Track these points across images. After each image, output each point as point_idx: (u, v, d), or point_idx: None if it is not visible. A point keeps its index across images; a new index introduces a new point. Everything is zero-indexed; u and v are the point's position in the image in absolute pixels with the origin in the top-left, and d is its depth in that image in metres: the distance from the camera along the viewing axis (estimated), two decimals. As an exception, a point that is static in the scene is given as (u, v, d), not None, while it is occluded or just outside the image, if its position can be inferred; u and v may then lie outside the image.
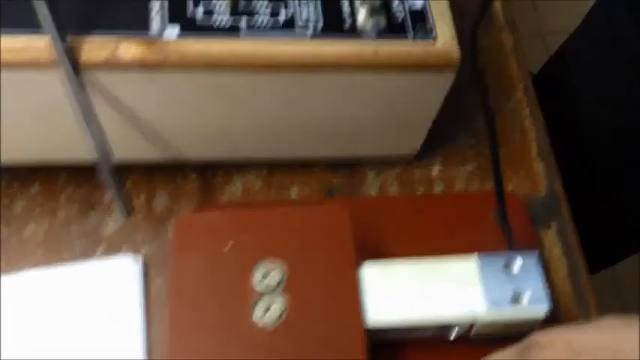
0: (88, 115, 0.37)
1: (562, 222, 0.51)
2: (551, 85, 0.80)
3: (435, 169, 0.53)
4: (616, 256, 0.97)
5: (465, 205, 0.52)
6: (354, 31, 0.41)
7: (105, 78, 0.39)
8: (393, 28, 0.41)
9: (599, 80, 0.72)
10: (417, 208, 0.51)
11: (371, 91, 0.43)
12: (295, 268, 0.40)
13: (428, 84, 0.43)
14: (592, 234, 0.70)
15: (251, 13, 0.40)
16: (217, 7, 0.40)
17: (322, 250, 0.41)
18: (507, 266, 0.41)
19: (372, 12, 0.41)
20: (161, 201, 0.49)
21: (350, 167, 0.52)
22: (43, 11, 0.35)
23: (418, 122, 0.47)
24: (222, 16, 0.40)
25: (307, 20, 0.41)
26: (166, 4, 0.40)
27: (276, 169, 0.51)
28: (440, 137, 0.52)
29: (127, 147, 0.44)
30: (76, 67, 0.37)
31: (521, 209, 0.51)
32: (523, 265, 0.41)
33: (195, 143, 0.46)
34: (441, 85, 0.43)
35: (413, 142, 0.49)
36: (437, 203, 0.52)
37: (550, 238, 0.50)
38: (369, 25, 0.41)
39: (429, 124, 0.47)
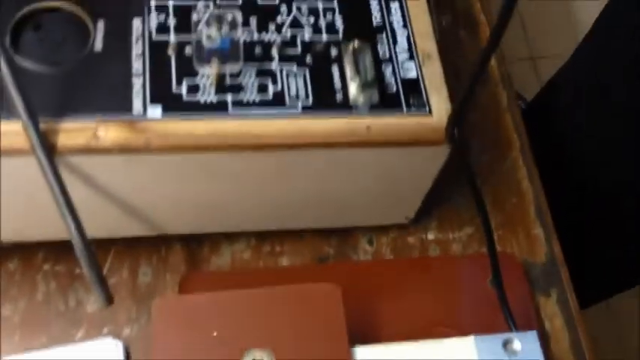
0: (65, 203, 0.35)
1: (563, 290, 0.49)
2: (544, 114, 0.80)
3: (431, 234, 0.51)
4: (610, 289, 0.96)
5: (460, 269, 0.50)
6: (345, 106, 0.39)
7: (83, 162, 0.37)
8: (386, 102, 0.40)
9: (589, 118, 0.72)
10: (411, 272, 0.49)
11: (363, 166, 0.41)
12: (285, 355, 0.38)
13: (423, 158, 0.41)
14: (586, 265, 0.69)
15: (238, 90, 0.39)
16: (202, 84, 0.38)
17: (314, 334, 0.39)
18: (506, 346, 0.39)
19: (364, 86, 0.39)
20: (144, 276, 0.47)
21: (342, 233, 0.50)
22: (14, 97, 0.33)
23: (412, 193, 0.45)
24: (207, 93, 0.38)
25: (297, 95, 0.39)
26: (148, 81, 0.38)
27: (266, 236, 0.49)
28: (435, 198, 0.50)
29: (108, 224, 0.42)
30: (50, 153, 0.35)
31: (518, 271, 0.49)
32: (522, 345, 0.39)
33: (180, 218, 0.44)
34: (437, 158, 0.41)
35: (407, 211, 0.47)
36: (431, 266, 0.50)
37: (550, 307, 0.48)
38: (361, 100, 0.39)
39: (424, 194, 0.45)
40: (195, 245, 0.48)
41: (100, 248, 0.46)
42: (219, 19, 0.38)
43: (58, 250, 0.47)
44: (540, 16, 1.48)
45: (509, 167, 0.54)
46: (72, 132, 0.36)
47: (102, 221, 0.41)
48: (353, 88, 0.39)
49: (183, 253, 0.48)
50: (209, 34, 0.38)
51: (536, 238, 0.51)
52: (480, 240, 0.51)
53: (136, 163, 0.37)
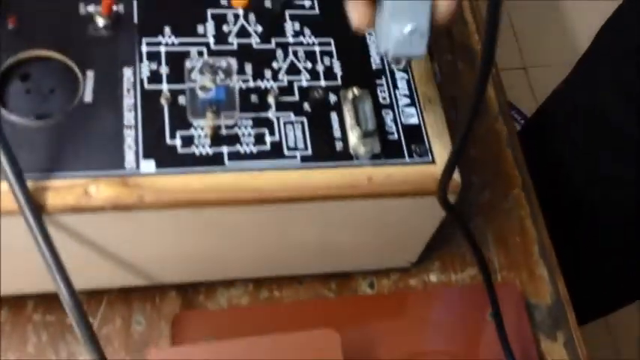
0: (54, 264, 0.34)
1: (569, 333, 0.48)
2: (541, 132, 0.78)
3: (433, 275, 0.49)
4: (610, 304, 0.95)
5: (461, 300, 0.49)
6: (346, 155, 0.38)
7: (74, 220, 0.35)
8: (387, 150, 0.38)
9: (585, 137, 0.71)
10: (411, 304, 0.48)
11: (364, 216, 0.40)
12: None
13: (426, 207, 0.40)
14: (585, 281, 0.68)
15: (234, 141, 0.37)
16: (197, 135, 0.37)
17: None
18: None
19: (365, 136, 0.38)
20: (138, 325, 0.45)
21: (342, 276, 0.48)
22: None
23: (415, 240, 0.44)
24: (202, 145, 0.37)
25: (295, 146, 0.38)
26: (141, 134, 0.36)
27: (264, 281, 0.48)
28: (436, 239, 0.49)
29: (100, 277, 0.41)
30: (38, 214, 0.33)
31: (519, 301, 0.48)
32: None
33: (174, 269, 0.42)
34: (440, 207, 0.40)
35: (409, 257, 0.46)
36: (431, 298, 0.49)
37: (557, 351, 0.47)
38: (362, 150, 0.38)
39: (427, 240, 0.44)
40: (190, 291, 0.47)
41: (92, 298, 0.45)
42: (213, 69, 0.37)
43: (49, 298, 0.45)
44: (532, 26, 1.47)
45: (512, 205, 0.52)
46: (61, 190, 0.34)
47: (93, 274, 0.40)
48: (353, 138, 0.38)
49: (178, 300, 0.47)
50: (203, 85, 0.37)
51: (541, 279, 0.50)
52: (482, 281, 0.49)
53: (129, 219, 0.36)
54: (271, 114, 0.38)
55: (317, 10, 0.42)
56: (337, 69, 0.40)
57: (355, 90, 0.39)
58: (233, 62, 0.39)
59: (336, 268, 0.46)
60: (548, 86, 1.38)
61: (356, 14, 0.33)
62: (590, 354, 0.48)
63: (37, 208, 0.33)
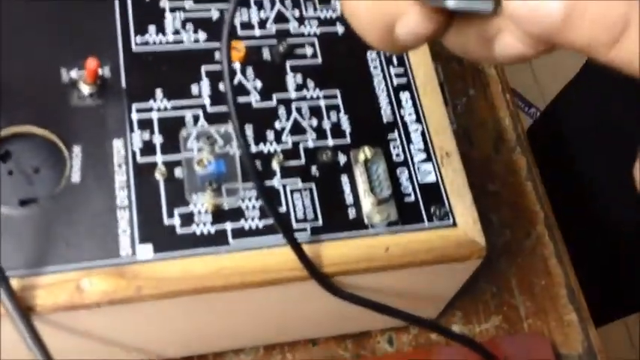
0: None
1: (604, 386, 0.45)
2: (550, 135, 0.76)
3: (455, 327, 0.46)
4: (629, 308, 0.93)
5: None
6: (359, 225, 0.35)
7: (66, 318, 0.32)
8: (404, 216, 0.35)
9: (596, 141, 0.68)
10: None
11: (381, 285, 0.36)
12: None
13: (449, 273, 0.37)
14: (601, 286, 0.65)
15: (238, 216, 0.34)
16: (197, 211, 0.34)
17: None
18: None
19: (380, 203, 0.34)
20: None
21: (358, 334, 0.45)
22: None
23: (436, 300, 0.41)
24: (203, 223, 0.33)
25: (304, 217, 0.35)
26: (135, 215, 0.33)
27: (275, 345, 0.45)
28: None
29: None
30: (27, 317, 0.30)
31: (548, 355, 0.45)
32: None
33: (178, 346, 0.39)
34: (463, 271, 0.37)
35: (429, 313, 0.43)
36: (457, 353, 0.46)
37: (591, 405, 0.44)
38: (377, 219, 0.35)
39: (448, 299, 0.41)
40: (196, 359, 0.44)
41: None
42: (211, 139, 0.34)
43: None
44: None
45: (535, 244, 0.49)
46: (51, 287, 0.31)
47: (89, 354, 0.37)
48: (367, 205, 0.35)
49: (185, 369, 0.44)
50: (200, 159, 0.34)
51: (571, 325, 0.46)
52: (509, 331, 0.46)
53: (126, 311, 0.33)
54: (277, 182, 0.35)
55: (320, 59, 0.39)
56: (345, 125, 0.37)
57: (367, 150, 0.36)
58: (232, 130, 0.35)
59: (352, 329, 0.43)
60: (553, 75, 1.34)
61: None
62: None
63: (25, 311, 0.30)
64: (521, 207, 0.51)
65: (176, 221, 0.33)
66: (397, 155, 0.37)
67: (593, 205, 0.68)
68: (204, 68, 0.37)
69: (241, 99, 0.37)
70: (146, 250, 0.32)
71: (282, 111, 0.37)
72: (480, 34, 0.22)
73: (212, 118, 0.36)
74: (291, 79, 0.38)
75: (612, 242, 0.68)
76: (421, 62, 0.40)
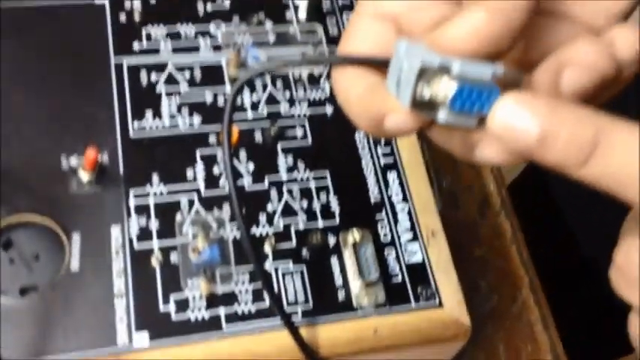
0: None
1: None
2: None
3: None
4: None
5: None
6: (348, 307, 0.36)
7: (66, 404, 0.33)
8: (392, 298, 0.37)
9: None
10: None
11: (371, 361, 0.38)
12: None
13: (435, 352, 0.38)
14: (580, 332, 0.66)
15: (231, 300, 0.35)
16: (192, 298, 0.35)
17: None
18: None
19: (368, 286, 0.36)
20: None
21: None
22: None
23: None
24: (198, 309, 0.35)
25: (295, 300, 0.36)
26: (132, 303, 0.34)
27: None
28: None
29: None
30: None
31: None
32: None
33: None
34: (450, 349, 0.38)
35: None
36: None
37: None
38: (366, 301, 0.36)
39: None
40: None
41: None
42: (205, 226, 0.35)
43: None
44: None
45: (521, 308, 0.51)
46: (49, 376, 0.32)
47: None
48: (355, 287, 0.36)
49: None
50: (195, 246, 0.35)
51: (556, 392, 0.48)
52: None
53: (124, 396, 0.34)
54: (269, 265, 0.36)
55: (310, 140, 0.40)
56: (335, 206, 0.39)
57: (355, 233, 0.37)
58: (225, 212, 0.37)
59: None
60: None
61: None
62: None
63: (25, 400, 0.31)
64: (507, 271, 0.52)
65: (171, 307, 0.34)
66: (385, 235, 0.38)
67: (578, 256, 0.69)
68: (198, 152, 0.38)
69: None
70: (142, 338, 0.34)
71: (274, 193, 0.38)
72: (463, 140, 0.24)
73: (207, 202, 0.37)
74: (283, 161, 0.39)
75: (597, 295, 0.69)
76: (407, 142, 0.41)
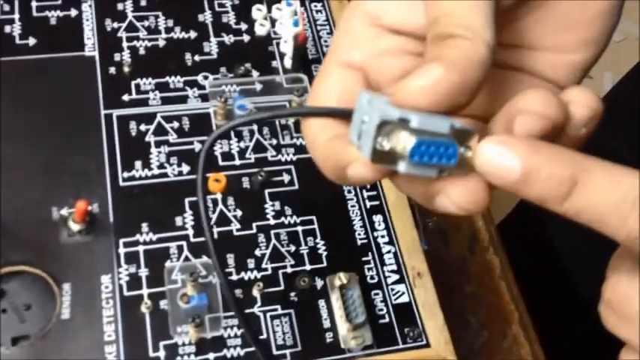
0: None
1: None
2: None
3: None
4: None
5: None
6: (336, 349, 0.37)
7: None
8: (379, 339, 0.37)
9: None
10: None
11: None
12: None
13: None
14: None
15: (220, 346, 0.36)
16: (181, 344, 0.36)
17: None
18: None
19: (355, 329, 0.36)
20: None
21: None
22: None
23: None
24: (187, 355, 0.35)
25: (284, 344, 0.36)
26: (122, 350, 0.35)
27: None
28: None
29: None
30: None
31: None
32: None
33: None
34: (439, 388, 0.38)
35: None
36: None
37: None
38: (353, 343, 0.36)
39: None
40: None
41: None
42: (194, 275, 0.36)
43: None
44: None
45: (511, 344, 0.51)
46: None
47: None
48: (343, 330, 0.37)
49: None
50: (183, 294, 0.36)
51: None
52: None
53: None
54: (257, 309, 0.37)
55: (297, 186, 0.41)
56: (322, 249, 0.39)
57: (342, 276, 0.38)
58: (214, 262, 0.37)
59: None
60: None
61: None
62: None
63: None
64: (497, 307, 0.52)
65: (161, 354, 0.35)
66: (371, 277, 0.39)
67: (569, 293, 0.70)
68: (187, 200, 0.39)
69: (223, 228, 0.39)
70: (132, 390, 0.34)
71: (261, 238, 0.39)
72: (424, 189, 0.25)
73: (196, 248, 0.38)
74: (270, 207, 0.40)
75: (588, 331, 0.69)
76: (392, 185, 0.42)
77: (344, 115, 0.26)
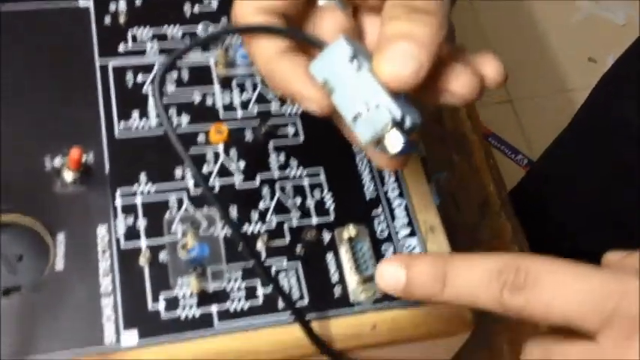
0: None
1: None
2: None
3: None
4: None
5: None
6: (345, 303, 0.35)
7: (51, 410, 0.31)
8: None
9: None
10: None
11: (372, 357, 0.36)
12: None
13: (437, 347, 0.36)
14: None
15: (223, 298, 0.34)
16: (182, 295, 0.34)
17: None
18: None
19: (365, 281, 0.35)
20: None
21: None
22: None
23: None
24: (188, 307, 0.33)
25: (290, 297, 0.34)
26: (120, 301, 0.33)
27: None
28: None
29: None
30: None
31: None
32: None
33: None
34: (453, 344, 0.37)
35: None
36: None
37: None
38: (363, 297, 0.34)
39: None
40: None
41: None
42: (195, 223, 0.34)
43: None
44: (516, 59, 1.45)
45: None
46: (33, 378, 0.31)
47: None
48: (352, 283, 0.35)
49: None
50: (184, 244, 0.34)
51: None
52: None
53: (112, 400, 0.32)
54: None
55: (302, 137, 0.39)
56: (329, 202, 0.37)
57: (351, 228, 0.36)
58: (215, 212, 0.36)
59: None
60: (536, 117, 1.34)
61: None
62: None
63: (8, 405, 0.30)
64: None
65: (161, 306, 0.33)
66: (381, 232, 0.37)
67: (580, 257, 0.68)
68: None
69: (225, 180, 0.37)
70: (131, 337, 0.32)
71: (265, 191, 0.37)
72: None
73: (196, 201, 0.36)
74: (274, 159, 0.38)
75: None
76: (401, 137, 0.40)
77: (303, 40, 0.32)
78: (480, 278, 0.29)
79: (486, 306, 0.29)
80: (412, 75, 0.28)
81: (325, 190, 0.38)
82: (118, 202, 0.35)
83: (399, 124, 0.29)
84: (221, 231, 0.35)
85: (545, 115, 1.34)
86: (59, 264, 0.33)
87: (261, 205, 0.37)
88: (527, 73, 1.43)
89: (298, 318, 0.32)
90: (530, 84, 1.41)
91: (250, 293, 0.34)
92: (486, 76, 0.31)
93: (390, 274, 0.30)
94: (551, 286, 0.28)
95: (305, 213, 0.37)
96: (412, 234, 0.37)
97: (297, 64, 0.31)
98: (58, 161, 0.36)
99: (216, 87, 0.40)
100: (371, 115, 0.29)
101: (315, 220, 0.37)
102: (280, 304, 0.34)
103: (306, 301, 0.34)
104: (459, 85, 0.30)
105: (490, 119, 1.28)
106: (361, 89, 0.29)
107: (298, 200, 0.37)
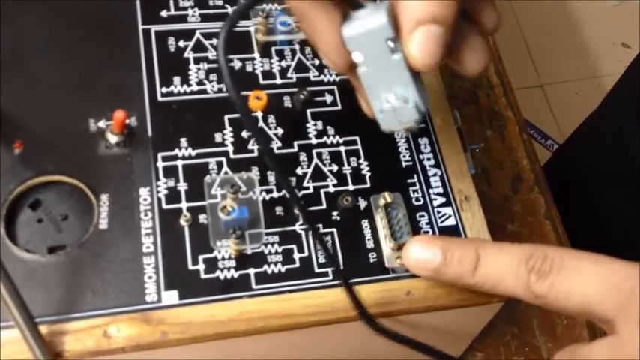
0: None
1: None
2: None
3: (476, 368, 0.46)
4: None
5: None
6: (380, 269, 0.35)
7: (94, 363, 0.33)
8: (425, 260, 0.36)
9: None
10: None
11: (403, 328, 0.37)
12: None
13: (469, 316, 0.37)
14: None
15: (260, 261, 0.35)
16: (221, 258, 0.34)
17: None
18: None
19: (400, 248, 0.35)
20: None
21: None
22: (7, 303, 0.29)
23: (458, 341, 0.41)
24: (227, 269, 0.34)
25: (325, 262, 0.35)
26: (161, 262, 0.34)
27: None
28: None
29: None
30: (57, 362, 0.31)
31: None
32: None
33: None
34: (485, 314, 0.37)
35: (451, 352, 0.43)
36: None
37: None
38: (398, 263, 0.35)
39: (471, 338, 0.41)
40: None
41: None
42: (234, 187, 0.35)
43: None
44: (546, 44, 1.44)
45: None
46: (79, 333, 0.32)
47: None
48: (387, 250, 0.35)
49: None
50: (224, 206, 0.35)
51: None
52: (533, 372, 0.46)
53: (152, 356, 0.33)
54: (298, 227, 0.36)
55: (339, 106, 0.40)
56: (365, 170, 0.38)
57: (387, 196, 0.36)
58: (254, 173, 0.36)
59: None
60: (566, 102, 1.33)
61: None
62: None
63: (53, 356, 0.31)
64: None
65: (201, 266, 0.34)
66: (417, 200, 0.38)
67: (612, 240, 0.68)
68: (227, 117, 0.38)
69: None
70: (171, 296, 0.33)
71: (303, 157, 0.38)
72: None
73: (235, 165, 0.37)
74: (312, 127, 0.39)
75: None
76: (439, 108, 0.41)
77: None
78: (509, 262, 0.31)
79: (513, 290, 0.31)
80: (440, 57, 0.29)
81: (362, 158, 0.38)
82: (160, 165, 0.36)
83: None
84: (259, 195, 0.36)
85: (576, 101, 1.33)
86: (103, 223, 0.34)
87: (299, 171, 0.37)
88: (559, 59, 1.41)
89: (342, 280, 0.33)
90: (562, 69, 1.40)
91: (287, 257, 0.35)
92: (484, 24, 0.32)
93: (422, 254, 0.32)
94: (574, 271, 0.30)
95: (341, 180, 0.37)
96: (447, 203, 0.38)
97: (332, 17, 0.30)
98: (102, 124, 0.36)
99: (256, 54, 0.40)
100: (399, 109, 0.30)
101: (351, 187, 0.37)
102: (316, 268, 0.35)
103: (341, 266, 0.35)
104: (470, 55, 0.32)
105: (520, 104, 1.27)
106: (391, 74, 0.30)
107: (335, 167, 0.38)
